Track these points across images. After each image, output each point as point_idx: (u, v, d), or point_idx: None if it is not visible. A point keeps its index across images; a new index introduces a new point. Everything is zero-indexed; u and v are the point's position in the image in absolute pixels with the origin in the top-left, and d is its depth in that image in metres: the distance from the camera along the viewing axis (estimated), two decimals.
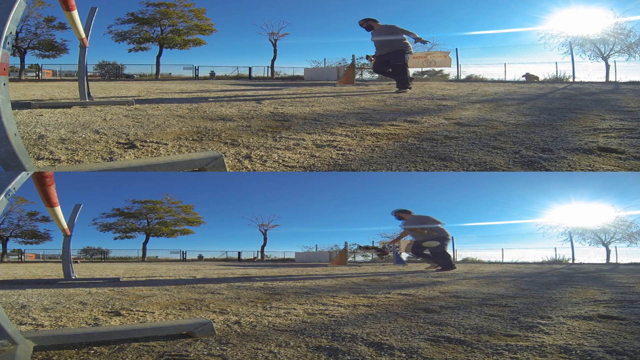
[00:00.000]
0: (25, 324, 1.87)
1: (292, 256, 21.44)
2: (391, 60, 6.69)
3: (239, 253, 25.53)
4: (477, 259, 17.28)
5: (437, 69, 17.81)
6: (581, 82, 11.88)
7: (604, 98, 5.58)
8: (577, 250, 15.17)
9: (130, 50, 24.91)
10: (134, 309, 2.26)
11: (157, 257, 24.71)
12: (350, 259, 13.35)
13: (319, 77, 16.39)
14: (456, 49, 19.37)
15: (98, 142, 2.48)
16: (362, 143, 2.51)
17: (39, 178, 2.19)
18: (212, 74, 24.59)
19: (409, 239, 7.33)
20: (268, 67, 25.33)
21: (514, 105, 4.55)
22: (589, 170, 2.03)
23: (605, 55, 17.93)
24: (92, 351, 1.37)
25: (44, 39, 22.98)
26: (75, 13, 3.70)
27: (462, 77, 18.36)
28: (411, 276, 5.17)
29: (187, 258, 24.89)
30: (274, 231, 26.34)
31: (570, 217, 17.16)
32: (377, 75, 7.85)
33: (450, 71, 18.05)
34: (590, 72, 17.34)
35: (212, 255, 25.92)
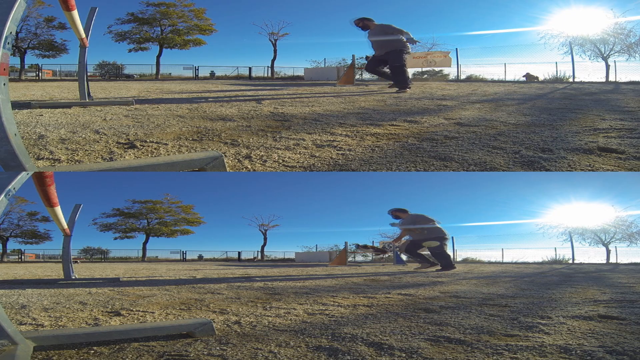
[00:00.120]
0: (25, 324, 1.87)
1: (292, 256, 21.45)
2: (389, 61, 6.67)
3: (239, 253, 25.54)
4: (477, 259, 17.29)
5: (437, 69, 17.80)
6: (581, 82, 11.88)
7: (604, 98, 5.58)
8: (577, 250, 15.19)
9: (130, 50, 24.94)
10: (134, 309, 2.26)
11: (157, 257, 24.71)
12: (350, 259, 13.34)
13: (319, 77, 16.38)
14: (456, 49, 19.38)
15: (98, 142, 2.48)
16: (362, 143, 2.51)
17: (39, 178, 2.19)
18: (212, 74, 24.59)
19: (409, 238, 7.31)
20: (268, 67, 25.35)
21: (514, 105, 4.55)
22: (589, 170, 2.03)
23: (605, 55, 17.94)
24: (92, 351, 1.37)
25: (44, 39, 22.99)
26: (75, 13, 3.70)
27: (462, 77, 18.36)
28: (411, 276, 5.17)
29: (187, 258, 24.89)
30: (274, 231, 26.37)
31: (570, 217, 17.17)
32: (376, 75, 7.81)
33: (450, 71, 18.06)
34: (590, 72, 17.35)
35: (212, 255, 25.93)
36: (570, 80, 15.39)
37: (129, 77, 23.46)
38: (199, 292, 3.17)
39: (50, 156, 2.17)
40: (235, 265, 12.03)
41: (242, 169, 2.01)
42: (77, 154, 2.21)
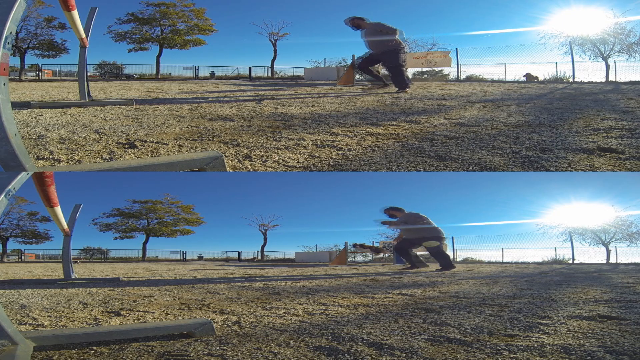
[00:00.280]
0: (25, 324, 1.87)
1: (292, 256, 21.44)
2: (385, 61, 6.64)
3: (239, 253, 25.52)
4: (477, 259, 17.27)
5: (437, 69, 17.80)
6: (581, 82, 11.88)
7: (604, 98, 5.58)
8: (577, 250, 15.17)
9: (130, 50, 24.91)
10: (134, 309, 2.26)
11: (157, 257, 24.70)
12: (350, 259, 13.34)
13: (319, 77, 16.38)
14: (456, 49, 19.33)
15: (98, 142, 2.48)
16: (362, 143, 2.51)
17: (39, 178, 2.19)
18: (212, 74, 24.58)
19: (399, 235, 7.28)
20: (268, 67, 25.32)
21: (514, 105, 4.55)
22: (589, 170, 2.03)
23: (605, 55, 17.92)
24: (92, 351, 1.37)
25: (44, 39, 22.96)
26: (75, 13, 3.70)
27: (462, 77, 18.34)
28: (411, 276, 5.17)
29: (187, 258, 24.88)
30: (274, 231, 26.34)
31: (570, 217, 17.15)
32: (366, 74, 7.75)
33: (450, 71, 18.03)
34: (590, 72, 17.33)
35: (212, 255, 25.92)
36: (570, 80, 15.39)
37: (129, 77, 23.45)
38: (199, 292, 3.17)
39: (50, 156, 2.17)
40: (235, 265, 12.03)
41: (242, 169, 2.01)
42: (77, 154, 2.21)
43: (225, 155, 2.11)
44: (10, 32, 1.38)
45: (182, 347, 1.40)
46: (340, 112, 3.90)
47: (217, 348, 1.40)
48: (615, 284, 3.83)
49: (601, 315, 1.99)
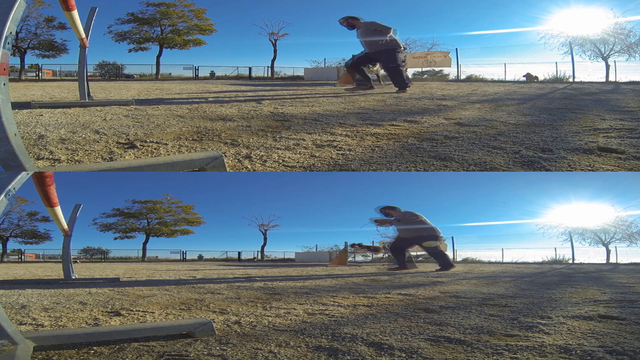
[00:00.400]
0: (25, 324, 1.87)
1: (292, 256, 21.44)
2: (382, 62, 6.60)
3: (239, 253, 25.53)
4: (477, 259, 17.26)
5: (437, 69, 17.80)
6: (581, 82, 11.88)
7: (604, 98, 5.58)
8: (577, 250, 15.17)
9: (130, 50, 24.92)
10: (134, 309, 2.26)
11: (157, 257, 24.70)
12: (350, 259, 13.34)
13: (319, 77, 16.38)
14: (456, 49, 19.32)
15: (98, 142, 2.48)
16: (362, 143, 2.51)
17: (39, 178, 2.20)
18: (212, 74, 24.58)
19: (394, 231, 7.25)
20: (268, 67, 25.32)
21: (514, 105, 4.55)
22: (589, 170, 2.03)
23: (605, 55, 17.92)
24: (92, 351, 1.37)
25: (44, 39, 22.97)
26: (75, 13, 3.70)
27: (462, 77, 18.34)
28: (411, 276, 5.17)
29: (187, 258, 24.88)
30: (274, 231, 26.34)
31: (570, 217, 17.14)
32: (376, 75, 7.74)
33: (450, 71, 18.03)
34: (590, 72, 17.32)
35: (212, 255, 25.92)
36: (570, 80, 15.39)
37: (129, 77, 23.46)
38: (199, 292, 3.17)
39: (50, 156, 2.17)
40: (235, 265, 12.03)
41: (242, 169, 2.01)
42: (77, 154, 2.21)
43: (225, 155, 2.11)
44: (10, 32, 1.38)
45: (182, 347, 1.40)
46: (340, 112, 3.90)
47: (217, 348, 1.40)
48: (615, 284, 3.83)
49: (601, 315, 1.99)
